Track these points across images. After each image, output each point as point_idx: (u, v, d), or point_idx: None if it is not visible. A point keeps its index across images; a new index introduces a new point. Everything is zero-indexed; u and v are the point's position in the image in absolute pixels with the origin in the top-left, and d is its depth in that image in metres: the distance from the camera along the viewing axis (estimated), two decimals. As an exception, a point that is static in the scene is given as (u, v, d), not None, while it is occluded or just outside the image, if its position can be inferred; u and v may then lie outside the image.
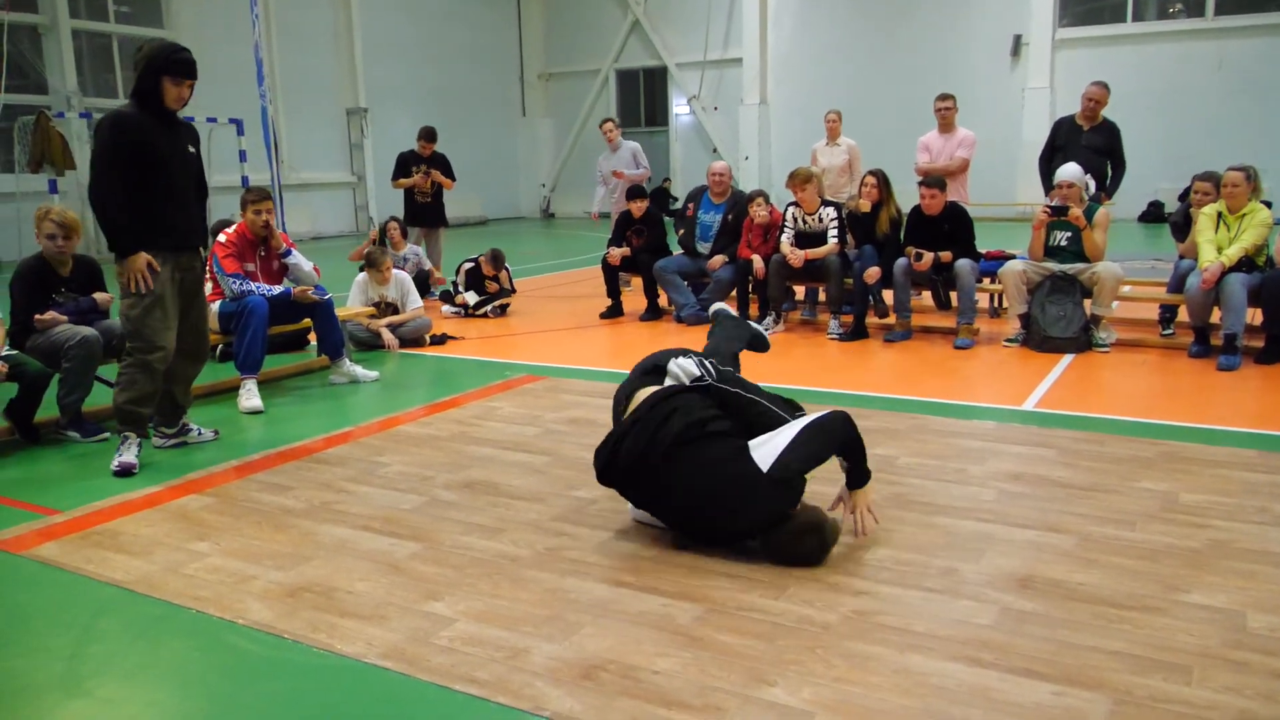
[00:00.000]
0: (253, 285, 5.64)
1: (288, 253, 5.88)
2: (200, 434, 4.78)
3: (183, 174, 4.37)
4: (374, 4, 19.97)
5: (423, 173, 9.18)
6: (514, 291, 8.95)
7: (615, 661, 2.49)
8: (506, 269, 8.83)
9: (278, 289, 5.79)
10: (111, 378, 5.02)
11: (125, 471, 4.22)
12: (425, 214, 9.45)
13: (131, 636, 2.74)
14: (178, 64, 4.23)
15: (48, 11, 14.95)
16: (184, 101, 4.32)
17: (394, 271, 7.36)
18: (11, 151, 14.01)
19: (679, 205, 9.36)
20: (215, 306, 5.68)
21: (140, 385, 4.31)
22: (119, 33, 16.16)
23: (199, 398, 5.70)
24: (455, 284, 8.83)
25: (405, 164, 9.34)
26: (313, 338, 6.41)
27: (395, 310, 7.29)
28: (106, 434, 4.82)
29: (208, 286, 5.83)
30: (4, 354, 4.62)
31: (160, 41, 4.35)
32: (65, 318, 4.85)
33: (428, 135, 9.33)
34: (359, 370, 6.01)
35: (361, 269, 7.42)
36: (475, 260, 8.72)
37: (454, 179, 9.53)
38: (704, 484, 3.06)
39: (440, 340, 7.32)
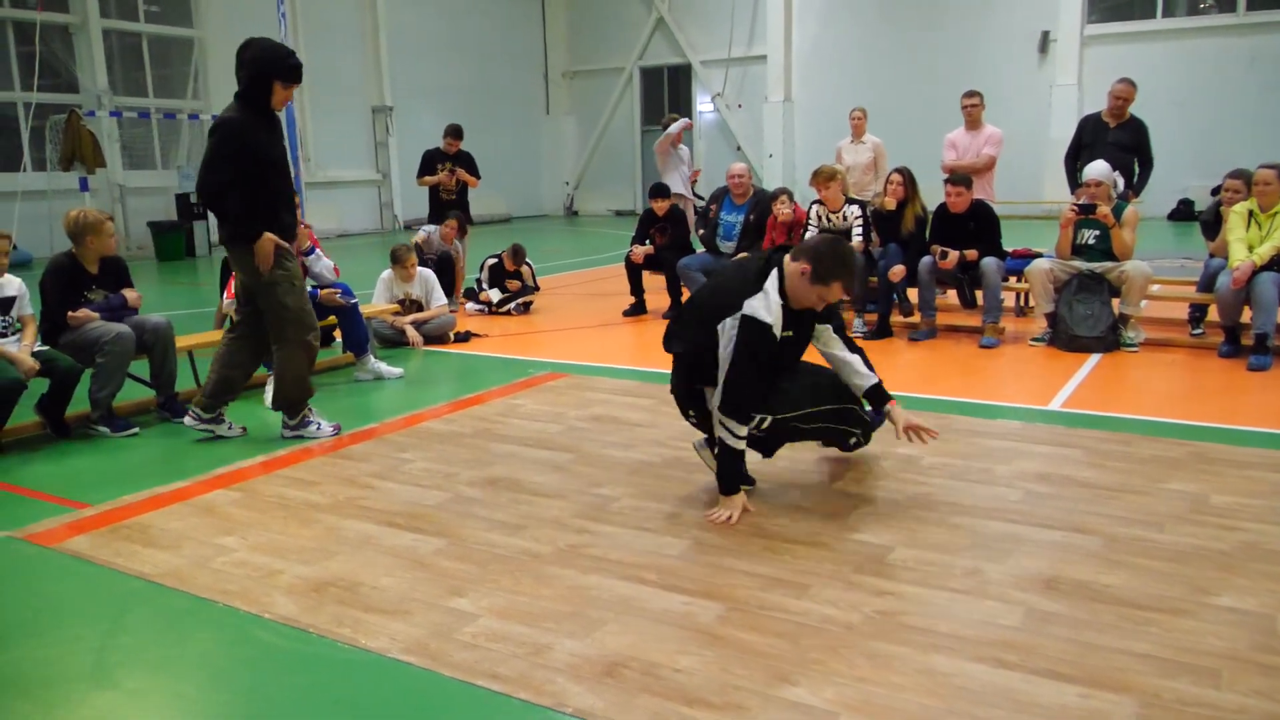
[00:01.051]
0: None
1: (310, 250, 5.92)
2: (230, 428, 4.82)
3: (284, 172, 4.56)
4: (400, 2, 20.07)
5: (448, 170, 9.22)
6: (537, 289, 8.97)
7: (637, 659, 2.50)
8: (529, 265, 8.84)
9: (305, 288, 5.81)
10: (141, 374, 5.11)
11: (336, 431, 4.70)
12: (450, 212, 9.49)
13: (159, 629, 2.77)
14: (291, 70, 4.38)
15: (79, 11, 15.13)
16: (286, 104, 4.51)
17: (419, 269, 7.40)
18: (43, 150, 14.20)
19: (703, 204, 9.31)
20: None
21: (302, 366, 4.61)
22: (149, 32, 16.34)
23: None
24: (479, 281, 8.87)
25: (431, 161, 9.37)
26: (338, 335, 6.45)
27: (419, 307, 7.33)
28: (136, 429, 4.88)
29: (234, 285, 5.89)
30: (36, 350, 4.68)
31: (267, 43, 4.45)
32: (97, 315, 4.91)
33: (454, 133, 9.36)
34: (384, 367, 6.05)
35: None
36: (499, 256, 8.76)
37: (479, 177, 9.56)
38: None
39: (464, 338, 7.35)
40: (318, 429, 4.74)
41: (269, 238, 4.37)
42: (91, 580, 3.12)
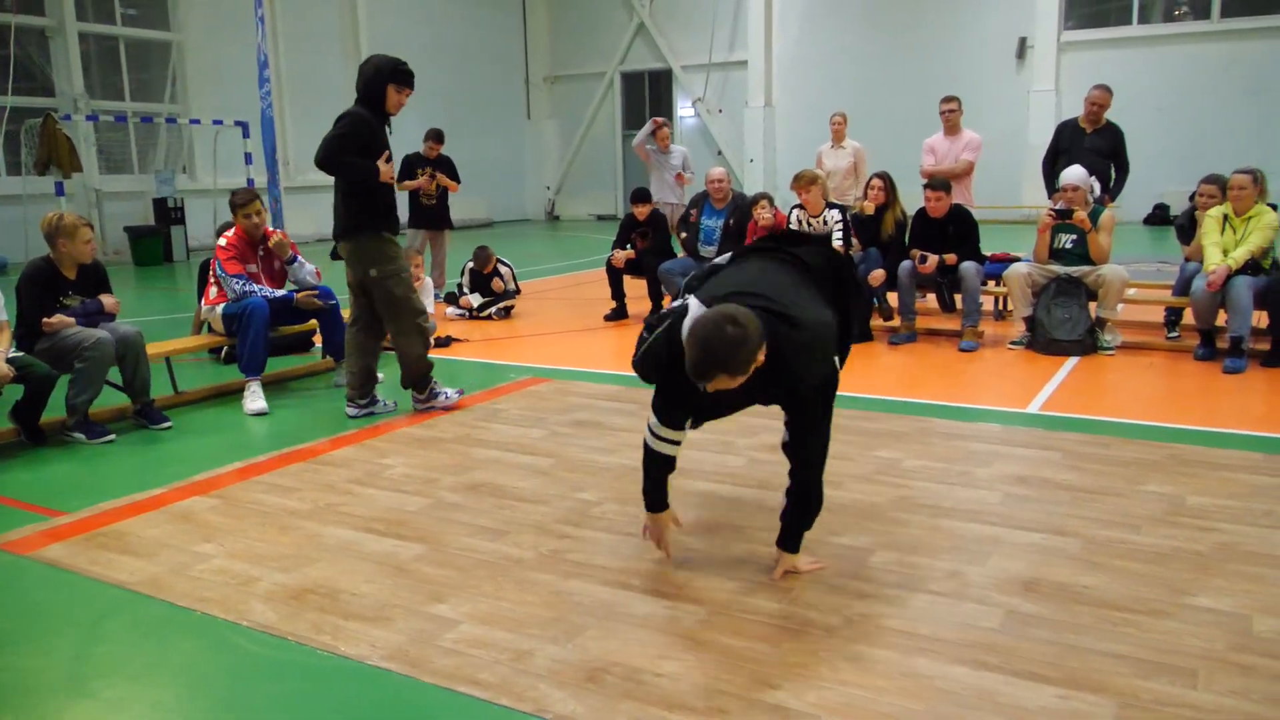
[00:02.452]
0: (254, 286, 5.64)
1: (293, 259, 5.88)
2: (385, 405, 5.28)
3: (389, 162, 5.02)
4: (380, 7, 20.02)
5: (428, 175, 9.18)
6: (518, 293, 8.96)
7: (619, 664, 2.49)
8: (508, 266, 8.81)
9: (280, 291, 5.78)
10: (118, 380, 5.07)
11: (460, 394, 5.26)
12: (430, 216, 9.44)
13: (137, 638, 2.75)
14: (402, 74, 4.90)
15: (55, 14, 15.00)
16: (400, 108, 4.98)
17: (424, 277, 7.39)
18: (18, 154, 14.06)
19: (684, 208, 9.27)
20: (219, 309, 5.69)
21: (420, 347, 5.08)
22: (126, 35, 16.21)
23: (204, 400, 5.72)
24: (460, 286, 8.84)
25: (411, 166, 9.33)
26: (318, 339, 6.42)
27: None
28: (112, 436, 4.83)
29: (211, 290, 5.86)
30: (10, 356, 4.63)
31: (385, 56, 4.96)
32: (73, 320, 4.86)
33: (435, 136, 9.33)
34: None
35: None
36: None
37: (459, 181, 9.53)
38: None
39: (445, 343, 7.33)
40: (445, 397, 5.25)
41: (384, 165, 4.89)
42: (68, 589, 3.09)
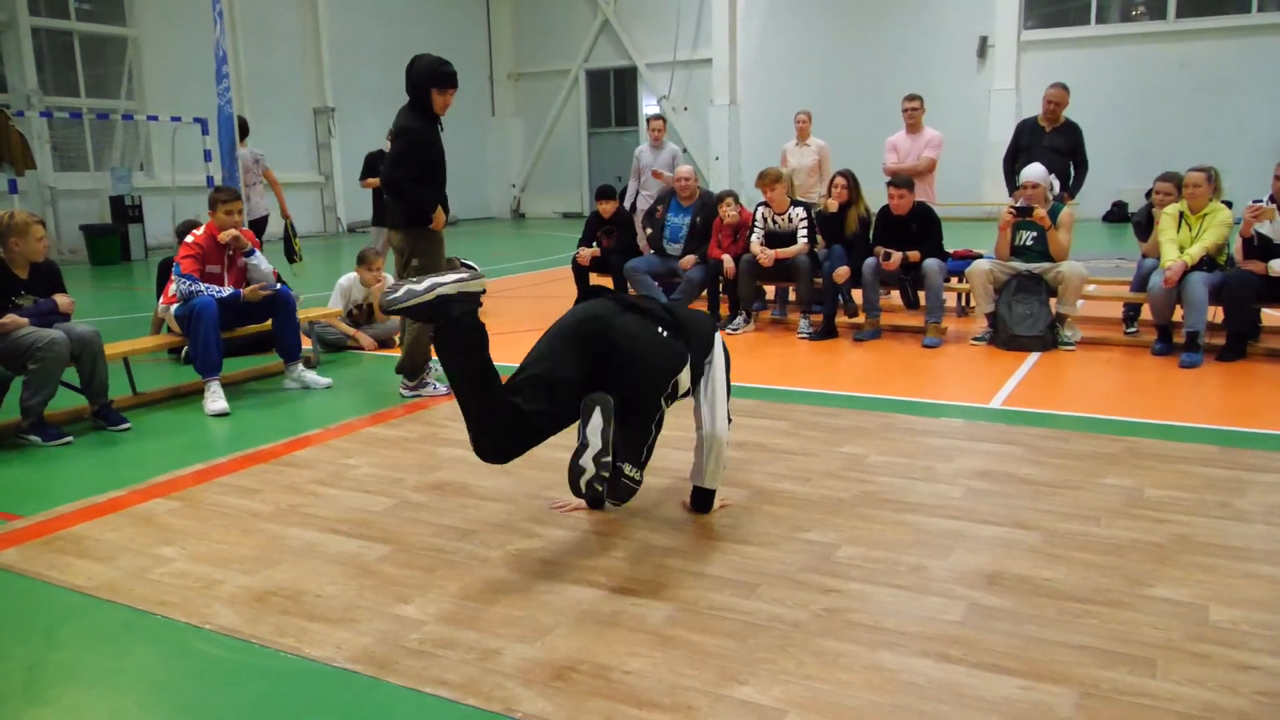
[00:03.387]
0: (201, 286, 5.49)
1: (251, 252, 5.79)
2: (435, 388, 5.50)
3: (444, 168, 5.39)
4: (341, 4, 19.80)
5: None
6: (482, 292, 8.89)
7: (587, 662, 2.49)
8: (469, 266, 8.74)
9: (227, 290, 5.62)
10: (74, 381, 4.97)
11: (448, 390, 5.31)
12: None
13: (95, 644, 2.70)
14: (443, 76, 5.12)
15: (6, 9, 14.67)
16: (448, 108, 5.24)
17: (385, 275, 7.33)
18: (-31, 151, 13.74)
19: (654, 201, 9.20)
20: (174, 309, 5.59)
21: (428, 341, 5.26)
22: (80, 30, 15.90)
23: (164, 400, 5.64)
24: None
25: (374, 163, 9.21)
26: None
27: (369, 313, 7.25)
28: (69, 438, 4.74)
29: (171, 288, 5.75)
30: None
31: (428, 57, 5.18)
32: (26, 320, 4.76)
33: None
34: (310, 376, 5.87)
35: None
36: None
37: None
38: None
39: (410, 341, 7.27)
40: (434, 389, 5.51)
41: (441, 214, 5.33)
42: (23, 594, 3.03)
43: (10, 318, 4.72)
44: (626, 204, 9.24)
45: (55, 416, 4.95)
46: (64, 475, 4.28)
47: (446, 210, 5.48)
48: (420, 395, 5.50)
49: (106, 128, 15.98)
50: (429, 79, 5.10)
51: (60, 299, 5.00)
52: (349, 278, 7.25)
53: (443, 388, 5.53)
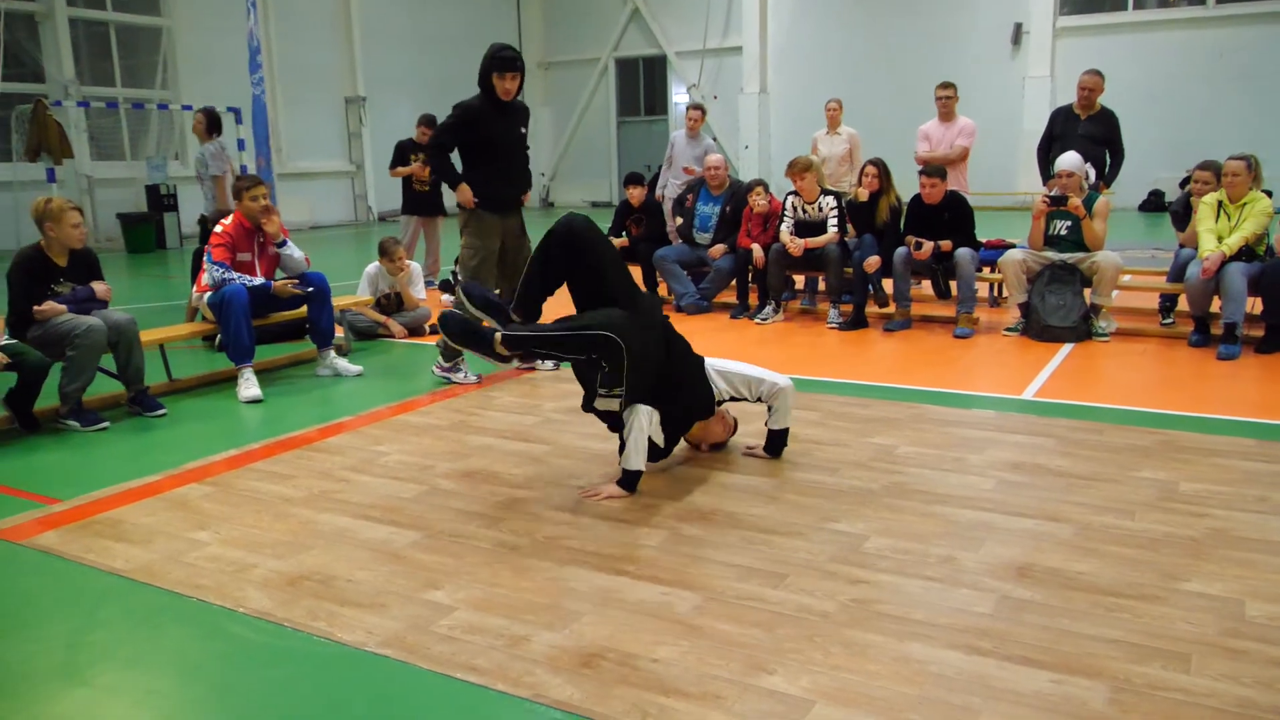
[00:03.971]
0: (233, 274, 5.54)
1: (283, 243, 5.83)
2: (466, 375, 5.54)
3: (508, 151, 5.45)
4: (373, -8, 19.93)
5: (421, 161, 9.13)
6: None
7: (614, 650, 2.50)
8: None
9: (258, 280, 5.67)
10: (111, 367, 5.05)
11: (479, 379, 5.55)
12: (423, 203, 9.40)
13: (131, 625, 2.75)
14: (500, 60, 5.23)
15: (44, 0, 14.89)
16: (511, 93, 5.31)
17: (408, 263, 7.36)
18: (9, 140, 13.98)
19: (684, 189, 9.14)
20: (207, 297, 5.65)
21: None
22: (116, 21, 16.11)
23: (198, 387, 5.71)
24: (454, 273, 8.81)
25: (404, 152, 9.28)
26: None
27: (399, 302, 7.30)
28: (106, 424, 4.82)
29: (204, 277, 5.81)
30: (3, 344, 4.61)
31: (493, 45, 5.35)
32: (64, 308, 4.84)
33: (428, 122, 9.27)
34: (342, 364, 5.93)
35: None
36: None
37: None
38: None
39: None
40: (464, 375, 5.56)
41: (465, 188, 5.39)
42: (62, 576, 3.08)
43: (49, 305, 4.80)
44: (657, 193, 9.19)
45: (92, 402, 5.04)
46: (101, 460, 4.35)
47: (498, 195, 5.47)
48: (451, 380, 5.54)
49: (142, 117, 16.18)
50: (488, 64, 5.25)
51: (98, 286, 5.08)
52: (375, 266, 7.30)
53: (474, 377, 5.56)
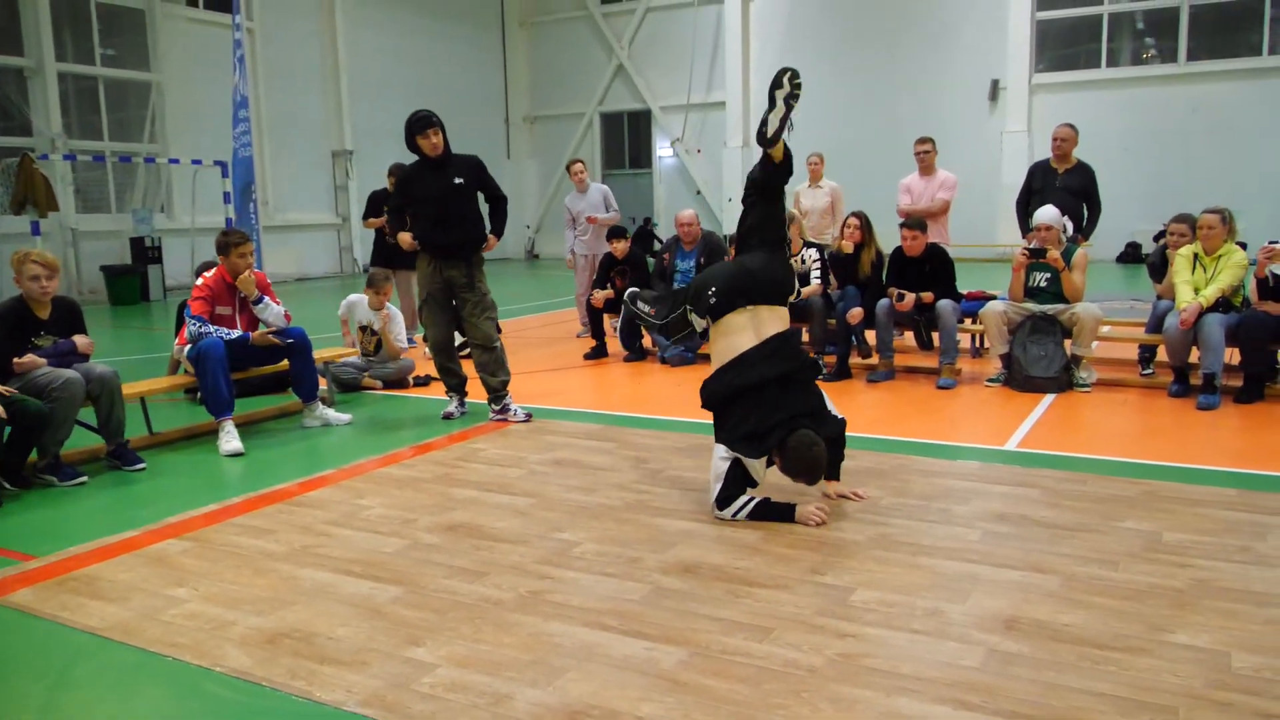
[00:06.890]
0: (210, 327, 5.51)
1: (259, 300, 5.75)
2: (516, 412, 5.91)
3: (440, 202, 5.73)
4: (361, 47, 20.18)
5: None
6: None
7: (599, 707, 2.46)
8: None
9: (236, 333, 5.64)
10: (91, 420, 5.00)
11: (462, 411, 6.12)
12: (396, 256, 9.16)
13: (107, 685, 2.69)
14: (417, 123, 5.67)
15: (34, 54, 15.00)
16: (438, 147, 5.70)
17: (389, 309, 7.39)
18: (-6, 193, 13.96)
19: (661, 248, 9.29)
20: (186, 350, 5.62)
21: (438, 359, 6.04)
22: (105, 76, 16.22)
23: (179, 440, 5.66)
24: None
25: (378, 203, 8.89)
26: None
27: (378, 340, 7.31)
28: (84, 478, 4.76)
29: (186, 330, 5.79)
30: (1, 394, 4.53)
31: (411, 113, 5.75)
32: (44, 361, 4.80)
33: (399, 172, 9.22)
34: (331, 414, 5.93)
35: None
36: None
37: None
38: None
39: (423, 381, 7.30)
40: (515, 413, 5.93)
41: (404, 235, 5.85)
42: (36, 635, 3.02)
43: (29, 358, 4.76)
44: (566, 256, 9.48)
45: (71, 456, 4.98)
46: (79, 515, 4.29)
47: (428, 243, 5.79)
48: (505, 418, 5.88)
49: (129, 170, 16.23)
50: (408, 130, 5.69)
51: (79, 340, 5.04)
52: (358, 295, 7.35)
53: (523, 413, 5.88)
